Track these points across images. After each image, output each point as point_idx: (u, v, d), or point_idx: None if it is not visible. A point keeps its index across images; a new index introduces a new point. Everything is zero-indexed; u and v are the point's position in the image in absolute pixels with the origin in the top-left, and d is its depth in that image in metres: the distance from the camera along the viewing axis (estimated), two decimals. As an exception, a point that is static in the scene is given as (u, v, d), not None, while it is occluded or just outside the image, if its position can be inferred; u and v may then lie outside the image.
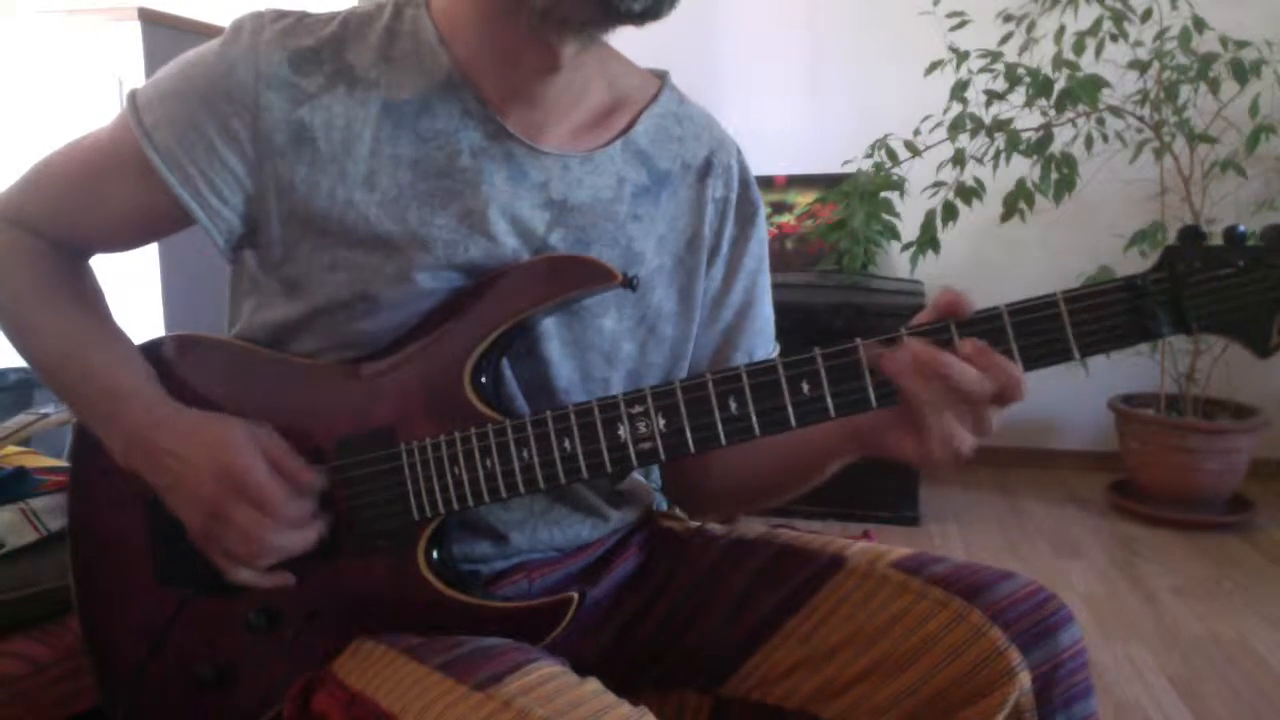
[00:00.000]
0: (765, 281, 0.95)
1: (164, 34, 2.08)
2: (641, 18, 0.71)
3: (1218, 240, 0.65)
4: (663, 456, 0.72)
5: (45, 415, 1.32)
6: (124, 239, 0.89)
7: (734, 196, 0.91)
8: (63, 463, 1.23)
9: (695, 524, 0.98)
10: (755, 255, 0.93)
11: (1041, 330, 0.66)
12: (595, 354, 0.84)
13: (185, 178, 0.79)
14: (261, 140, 0.78)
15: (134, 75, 2.04)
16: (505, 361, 0.81)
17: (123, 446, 0.81)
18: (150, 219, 0.85)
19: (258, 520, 0.75)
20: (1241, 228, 0.64)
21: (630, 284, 0.77)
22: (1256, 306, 0.64)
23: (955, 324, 0.68)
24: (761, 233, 0.93)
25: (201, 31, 2.18)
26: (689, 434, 0.71)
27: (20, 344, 0.86)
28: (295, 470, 0.77)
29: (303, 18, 0.81)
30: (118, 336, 0.87)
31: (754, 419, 0.70)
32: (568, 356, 0.83)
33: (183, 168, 0.79)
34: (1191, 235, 0.65)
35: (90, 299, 0.89)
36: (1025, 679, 0.73)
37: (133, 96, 0.81)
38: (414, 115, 0.79)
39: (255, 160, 0.78)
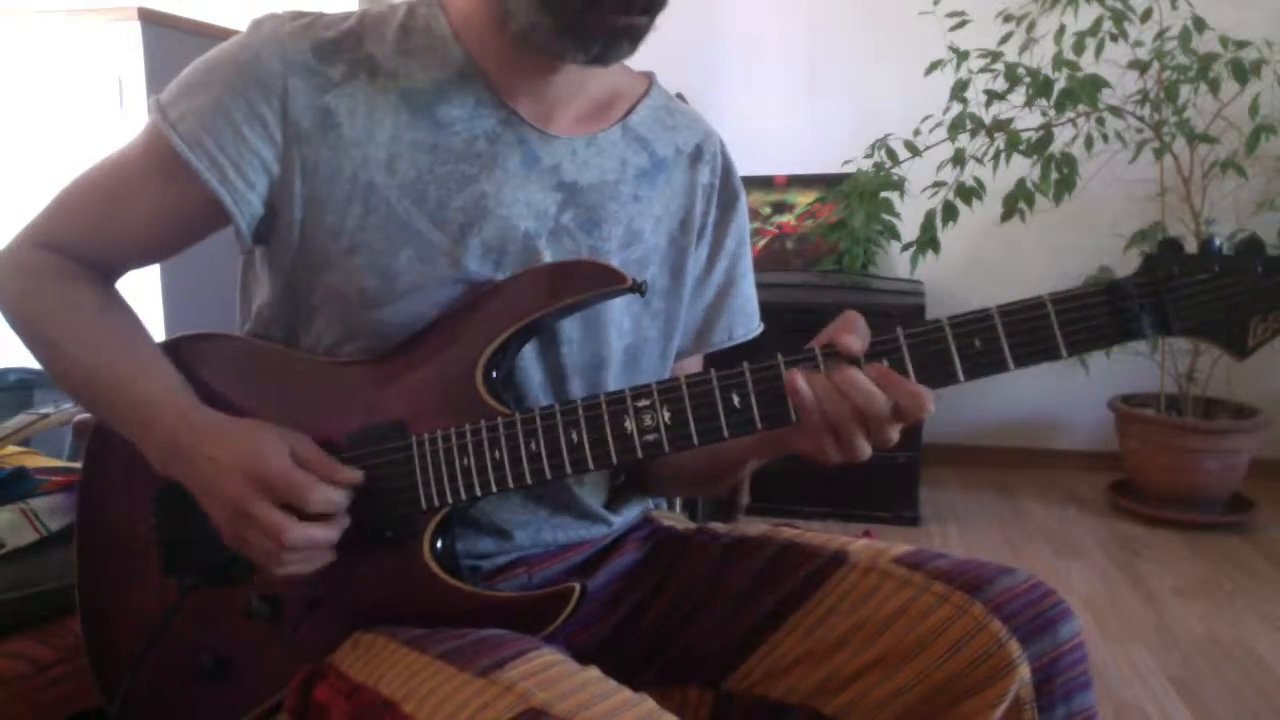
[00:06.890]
0: (747, 264, 1.00)
1: (164, 34, 2.09)
2: (591, 63, 0.79)
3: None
4: (667, 448, 0.74)
5: (45, 415, 1.32)
6: (154, 247, 0.89)
7: (718, 183, 0.96)
8: (63, 463, 1.23)
9: (696, 523, 0.99)
10: (736, 238, 0.98)
11: (1030, 330, 0.69)
12: (597, 321, 0.87)
13: (212, 163, 0.80)
14: (290, 125, 0.80)
15: (134, 75, 2.04)
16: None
17: (159, 454, 0.81)
18: (179, 219, 0.85)
19: (280, 518, 0.74)
20: (1216, 240, 0.69)
21: (639, 289, 0.79)
22: (1232, 309, 0.67)
23: (951, 326, 0.70)
24: (743, 218, 0.98)
25: (202, 32, 2.18)
26: (693, 426, 0.73)
27: (49, 360, 0.86)
28: (333, 469, 0.77)
29: (320, 16, 0.84)
30: (145, 345, 0.87)
31: (755, 412, 0.73)
32: (574, 324, 0.86)
33: (210, 154, 0.80)
34: (1170, 245, 0.69)
35: (116, 312, 0.88)
36: (1025, 671, 0.74)
37: (157, 99, 0.83)
38: (431, 103, 0.82)
39: (283, 144, 0.80)
